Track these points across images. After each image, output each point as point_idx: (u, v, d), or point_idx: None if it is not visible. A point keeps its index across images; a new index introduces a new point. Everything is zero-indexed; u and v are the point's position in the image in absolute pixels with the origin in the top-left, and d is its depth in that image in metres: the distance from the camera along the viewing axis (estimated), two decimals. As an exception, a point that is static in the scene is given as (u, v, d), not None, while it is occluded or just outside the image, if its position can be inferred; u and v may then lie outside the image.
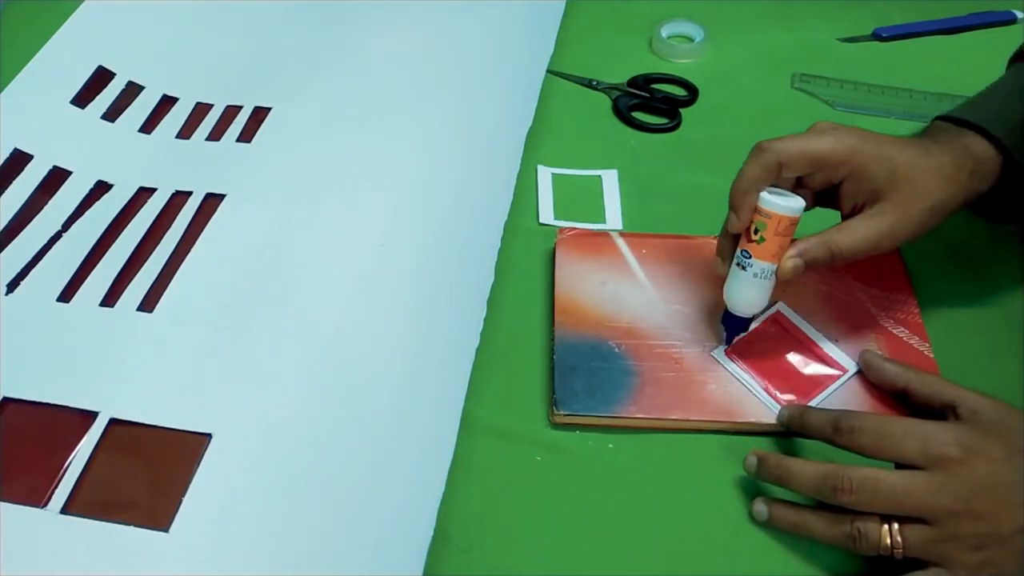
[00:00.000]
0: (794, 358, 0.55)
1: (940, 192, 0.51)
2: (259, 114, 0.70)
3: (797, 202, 0.51)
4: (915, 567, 0.44)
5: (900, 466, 0.45)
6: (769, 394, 0.53)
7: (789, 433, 0.52)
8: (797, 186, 0.52)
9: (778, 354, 0.55)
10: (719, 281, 0.58)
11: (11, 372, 0.52)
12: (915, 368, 0.52)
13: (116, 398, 0.51)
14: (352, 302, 0.57)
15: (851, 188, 0.52)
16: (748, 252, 0.51)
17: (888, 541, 0.44)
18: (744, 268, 0.51)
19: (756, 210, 0.51)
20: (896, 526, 0.44)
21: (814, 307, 0.57)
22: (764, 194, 0.51)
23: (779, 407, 0.52)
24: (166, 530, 0.46)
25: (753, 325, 0.55)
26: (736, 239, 0.53)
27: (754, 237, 0.51)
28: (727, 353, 0.55)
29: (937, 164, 0.51)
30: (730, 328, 0.54)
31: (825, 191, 0.53)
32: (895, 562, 0.44)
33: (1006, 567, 0.43)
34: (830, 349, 0.54)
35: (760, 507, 0.48)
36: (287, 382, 0.52)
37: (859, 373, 0.54)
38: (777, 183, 0.52)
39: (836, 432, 0.47)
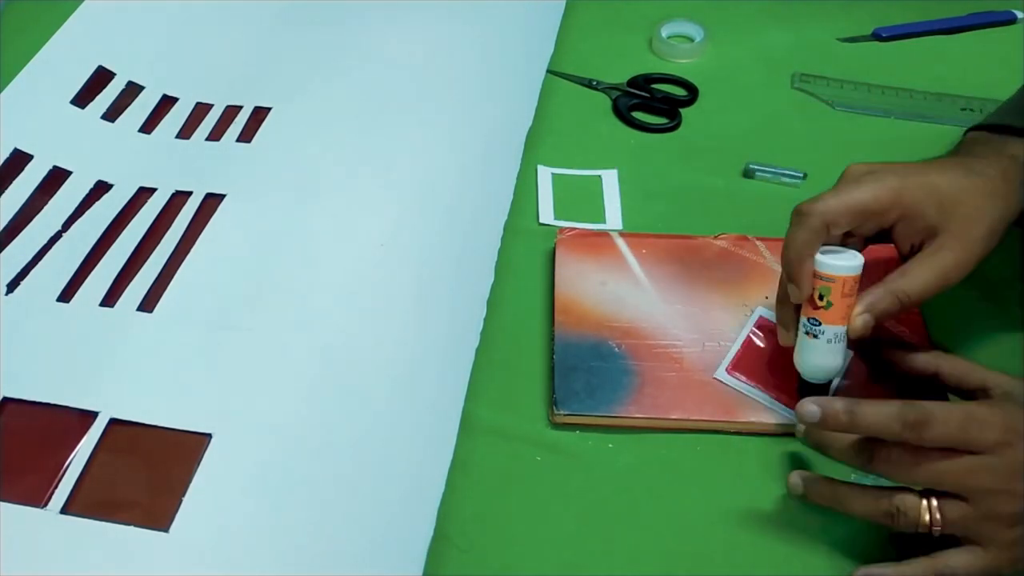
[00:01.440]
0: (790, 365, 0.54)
1: (994, 210, 0.49)
2: (259, 114, 0.70)
3: (857, 259, 0.48)
4: (949, 544, 0.44)
5: None
6: (782, 403, 0.52)
7: (787, 434, 0.51)
8: (846, 236, 0.50)
9: (777, 363, 0.54)
10: (719, 281, 0.58)
11: (11, 372, 0.52)
12: (943, 352, 0.51)
13: (116, 398, 0.51)
14: (352, 302, 0.57)
15: (905, 229, 0.50)
16: (817, 319, 0.49)
17: (927, 518, 0.43)
18: (816, 336, 0.49)
19: (816, 275, 0.48)
20: (936, 502, 0.43)
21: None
22: (820, 257, 0.48)
23: (796, 413, 0.49)
24: (166, 530, 0.46)
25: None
26: (796, 306, 0.50)
27: (820, 304, 0.48)
28: (728, 371, 0.54)
29: (985, 182, 0.50)
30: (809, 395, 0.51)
31: (878, 234, 0.51)
32: (930, 539, 0.44)
33: None
34: None
35: (796, 480, 0.47)
36: (287, 382, 0.52)
37: (851, 369, 0.53)
38: (827, 240, 0.49)
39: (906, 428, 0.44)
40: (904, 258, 0.50)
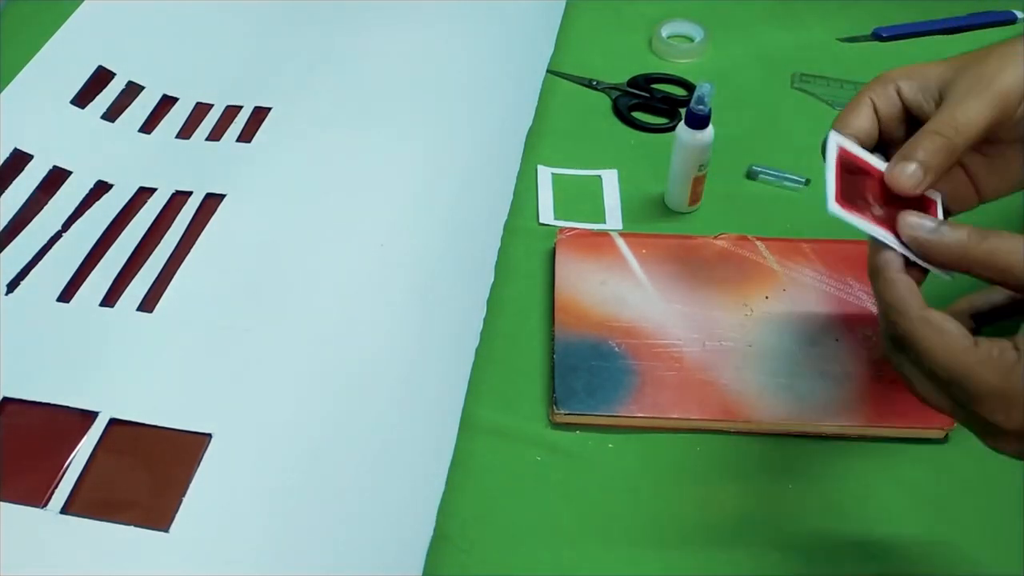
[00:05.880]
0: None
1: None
2: (259, 114, 0.70)
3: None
4: None
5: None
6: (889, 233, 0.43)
7: (788, 434, 0.51)
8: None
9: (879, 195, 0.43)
10: (719, 281, 0.58)
11: (11, 372, 0.52)
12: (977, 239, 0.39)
13: (116, 398, 0.51)
14: (352, 302, 0.57)
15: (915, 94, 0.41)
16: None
17: None
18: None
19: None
20: None
21: (814, 307, 0.57)
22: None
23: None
24: (166, 530, 0.46)
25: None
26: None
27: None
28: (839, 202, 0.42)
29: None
30: None
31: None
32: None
33: None
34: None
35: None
36: (287, 382, 0.53)
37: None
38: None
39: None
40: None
